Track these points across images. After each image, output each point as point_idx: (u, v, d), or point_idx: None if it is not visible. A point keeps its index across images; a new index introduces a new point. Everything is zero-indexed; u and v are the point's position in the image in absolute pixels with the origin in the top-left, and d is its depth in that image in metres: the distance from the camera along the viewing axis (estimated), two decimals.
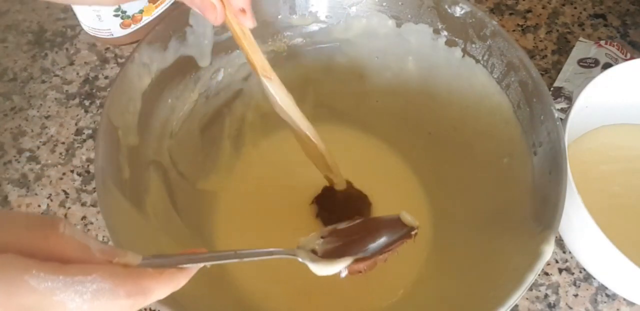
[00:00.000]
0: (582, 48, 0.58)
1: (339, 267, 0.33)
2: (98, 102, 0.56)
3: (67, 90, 0.57)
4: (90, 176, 0.52)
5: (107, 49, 0.59)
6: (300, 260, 0.33)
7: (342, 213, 0.48)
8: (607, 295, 0.47)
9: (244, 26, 0.36)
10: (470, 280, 0.40)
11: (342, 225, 0.38)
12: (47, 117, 0.55)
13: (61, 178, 0.52)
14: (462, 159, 0.47)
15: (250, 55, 0.37)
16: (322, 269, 0.33)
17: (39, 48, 0.59)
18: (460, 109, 0.46)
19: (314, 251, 0.34)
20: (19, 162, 0.53)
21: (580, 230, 0.41)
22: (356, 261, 0.34)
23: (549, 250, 0.33)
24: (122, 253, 0.25)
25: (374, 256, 0.34)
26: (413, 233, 0.35)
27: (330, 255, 0.34)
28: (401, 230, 0.36)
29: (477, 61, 0.43)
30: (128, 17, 0.55)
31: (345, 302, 0.46)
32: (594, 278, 0.47)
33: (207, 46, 0.43)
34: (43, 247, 0.23)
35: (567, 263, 0.48)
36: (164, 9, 0.57)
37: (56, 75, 0.58)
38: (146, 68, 0.39)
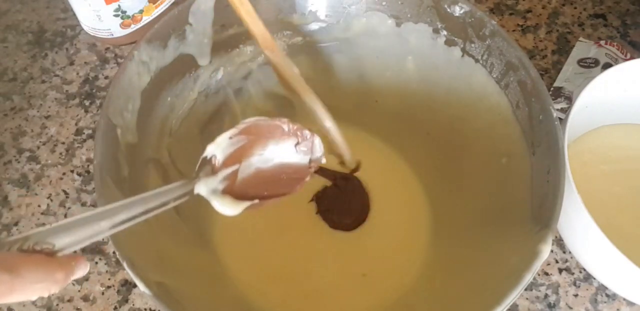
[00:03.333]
0: (582, 48, 0.58)
1: (242, 207, 0.32)
2: (98, 102, 0.56)
3: (67, 90, 0.57)
4: (90, 176, 0.52)
5: (107, 49, 0.59)
6: (200, 193, 0.32)
7: (341, 210, 0.49)
8: (607, 295, 0.47)
9: None
10: (468, 279, 0.40)
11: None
12: (47, 117, 0.55)
13: (61, 178, 0.52)
14: (461, 159, 0.47)
15: (249, 25, 0.37)
16: (225, 207, 0.32)
17: (39, 48, 0.59)
18: (459, 109, 0.46)
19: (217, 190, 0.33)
20: (19, 162, 0.53)
21: (580, 230, 0.41)
22: (261, 199, 0.33)
23: (547, 250, 0.33)
24: None
25: (278, 195, 0.34)
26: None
27: (235, 193, 0.33)
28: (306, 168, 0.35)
29: (477, 61, 0.43)
30: (128, 17, 0.55)
31: (344, 302, 0.46)
32: (594, 278, 0.47)
33: (206, 45, 0.43)
34: None
35: (567, 263, 0.48)
36: (164, 9, 0.58)
37: (56, 75, 0.58)
38: (145, 66, 0.39)
